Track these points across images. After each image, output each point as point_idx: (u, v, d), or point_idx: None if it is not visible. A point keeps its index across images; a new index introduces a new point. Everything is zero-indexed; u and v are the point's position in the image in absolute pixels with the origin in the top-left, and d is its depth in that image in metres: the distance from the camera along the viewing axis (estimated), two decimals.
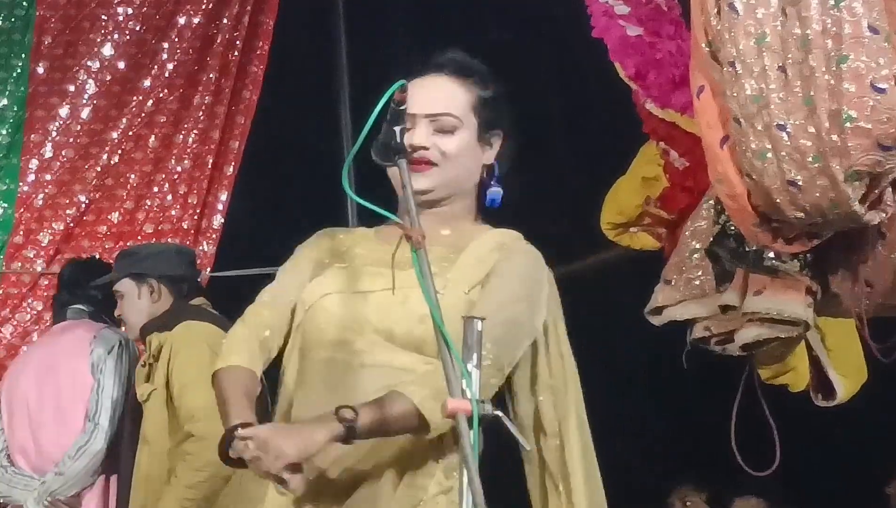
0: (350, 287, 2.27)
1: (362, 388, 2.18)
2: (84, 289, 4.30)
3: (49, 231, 5.32)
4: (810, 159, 2.63)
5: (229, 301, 4.49)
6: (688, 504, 5.35)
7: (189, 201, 5.36)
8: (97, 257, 4.89)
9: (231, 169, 5.40)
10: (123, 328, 4.19)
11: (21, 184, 5.32)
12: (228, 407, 2.18)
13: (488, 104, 2.38)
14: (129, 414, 4.03)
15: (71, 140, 5.35)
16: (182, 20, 5.42)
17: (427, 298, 2.01)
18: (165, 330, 3.82)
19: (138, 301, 3.97)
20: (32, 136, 5.34)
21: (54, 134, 5.35)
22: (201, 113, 5.40)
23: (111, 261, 4.37)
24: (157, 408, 3.77)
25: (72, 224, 5.32)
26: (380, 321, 2.23)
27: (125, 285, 4.00)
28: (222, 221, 5.38)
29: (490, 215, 2.51)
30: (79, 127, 5.36)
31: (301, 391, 2.28)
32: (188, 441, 3.65)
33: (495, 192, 2.38)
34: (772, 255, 3.01)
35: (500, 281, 2.28)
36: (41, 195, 5.33)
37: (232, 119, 5.40)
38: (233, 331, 2.35)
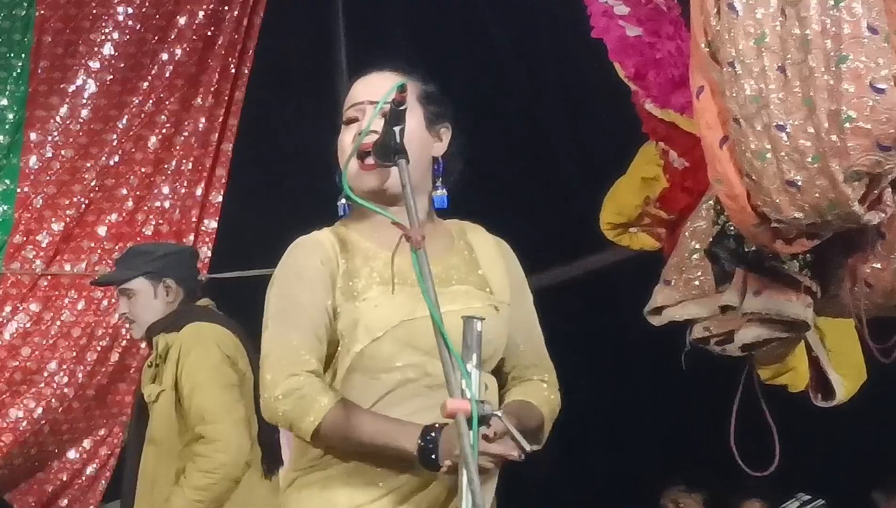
0: (414, 311, 2.28)
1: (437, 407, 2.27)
2: None
3: (49, 232, 5.32)
4: (810, 160, 2.63)
5: (227, 302, 4.51)
6: (680, 505, 5.34)
7: (188, 202, 5.36)
8: None
9: (223, 171, 5.40)
10: (127, 327, 4.19)
11: (21, 184, 5.32)
12: (396, 424, 2.24)
13: (433, 97, 2.44)
14: (134, 415, 4.02)
15: (71, 140, 5.35)
16: (182, 20, 5.42)
17: (427, 298, 2.02)
18: (173, 331, 3.81)
19: (154, 301, 3.94)
20: (32, 135, 5.33)
21: (54, 134, 5.35)
22: (201, 114, 5.39)
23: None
24: (165, 409, 3.76)
25: (72, 225, 5.32)
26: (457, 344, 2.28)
27: (138, 284, 3.95)
28: (215, 223, 5.38)
29: (492, 214, 2.53)
30: (79, 127, 5.36)
31: (376, 409, 2.30)
32: (198, 443, 3.65)
33: (441, 195, 2.41)
34: (771, 255, 3.01)
35: (527, 305, 2.49)
36: (41, 196, 5.32)
37: (226, 121, 5.40)
38: (306, 387, 2.28)
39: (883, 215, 2.74)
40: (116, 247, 5.19)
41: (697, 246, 3.31)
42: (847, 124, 2.56)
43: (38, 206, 5.32)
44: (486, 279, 2.40)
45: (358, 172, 2.35)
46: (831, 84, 2.58)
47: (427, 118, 2.41)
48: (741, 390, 3.33)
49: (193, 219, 5.34)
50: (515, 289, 2.46)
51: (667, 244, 3.89)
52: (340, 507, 2.28)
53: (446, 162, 2.44)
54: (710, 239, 3.19)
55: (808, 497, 5.11)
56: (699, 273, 3.31)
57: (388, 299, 2.32)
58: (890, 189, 2.71)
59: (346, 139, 2.39)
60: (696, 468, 5.28)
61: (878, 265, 3.01)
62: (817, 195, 2.66)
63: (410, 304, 2.29)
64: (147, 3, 5.40)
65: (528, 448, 2.16)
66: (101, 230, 5.35)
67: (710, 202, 3.26)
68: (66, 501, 5.24)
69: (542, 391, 2.42)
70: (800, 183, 2.66)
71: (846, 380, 3.61)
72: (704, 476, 5.28)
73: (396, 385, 2.29)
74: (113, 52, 5.38)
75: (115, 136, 5.37)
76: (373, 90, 2.36)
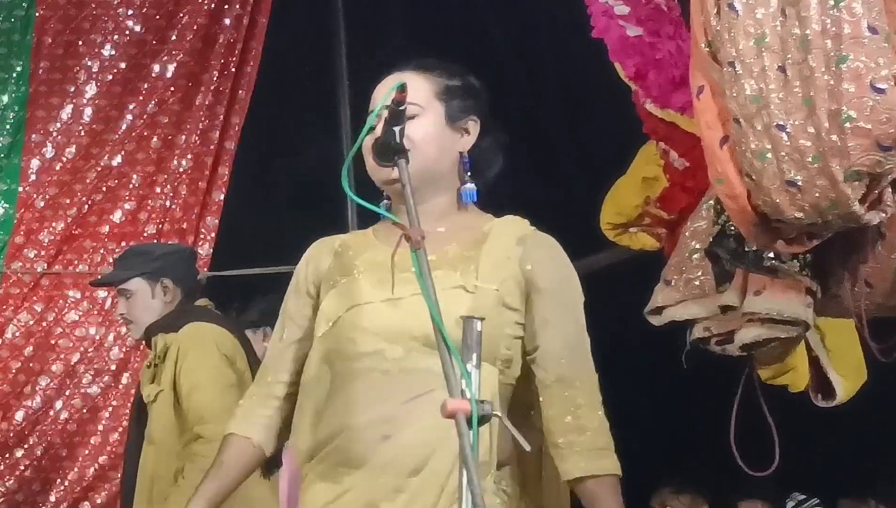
0: (376, 296, 2.26)
1: (404, 393, 2.22)
2: None
3: (50, 232, 5.32)
4: (810, 159, 2.63)
5: (228, 300, 4.51)
6: (667, 507, 5.33)
7: (189, 200, 5.36)
8: None
9: (227, 170, 5.41)
10: (126, 328, 4.18)
11: (22, 184, 5.32)
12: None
13: (455, 91, 2.41)
14: (134, 415, 4.02)
15: (72, 140, 5.35)
16: (183, 21, 5.42)
17: (427, 298, 2.02)
18: (171, 331, 3.81)
19: (151, 301, 3.94)
20: (33, 136, 5.34)
21: (55, 134, 5.35)
22: (202, 114, 5.40)
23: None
24: (164, 409, 3.76)
25: (73, 225, 5.32)
26: (417, 328, 2.21)
27: (136, 284, 3.95)
28: (217, 221, 5.38)
29: (491, 214, 2.52)
30: (80, 127, 5.36)
31: (336, 400, 2.29)
32: (197, 443, 3.65)
33: (468, 189, 2.39)
34: (771, 255, 3.00)
35: (556, 307, 2.37)
36: (42, 196, 5.33)
37: (228, 120, 5.40)
38: (248, 392, 2.47)
39: (883, 215, 2.74)
40: (118, 247, 5.20)
41: (698, 246, 3.31)
42: (847, 124, 2.56)
43: (40, 206, 5.32)
44: (478, 263, 2.33)
45: (375, 166, 2.34)
46: (831, 84, 2.58)
47: (448, 114, 2.38)
48: (741, 390, 3.32)
49: (194, 217, 5.34)
50: (541, 288, 2.36)
51: (667, 244, 3.89)
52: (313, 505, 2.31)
53: (478, 155, 2.41)
54: (711, 239, 3.18)
55: (804, 497, 5.11)
56: (699, 273, 3.31)
57: (350, 286, 2.32)
58: (890, 189, 2.71)
59: (367, 141, 2.35)
60: (696, 468, 5.28)
61: (879, 265, 3.01)
62: (817, 195, 2.66)
63: (370, 289, 2.28)
64: (147, 4, 5.41)
65: (527, 447, 2.17)
66: (103, 230, 5.35)
67: (711, 202, 3.26)
68: (80, 504, 5.23)
69: (587, 441, 2.33)
70: (800, 183, 2.66)
71: (846, 380, 3.60)
72: (704, 476, 5.28)
73: (357, 375, 2.27)
74: (113, 53, 5.39)
75: (116, 136, 5.38)
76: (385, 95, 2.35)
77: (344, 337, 2.29)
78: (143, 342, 4.06)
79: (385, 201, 2.40)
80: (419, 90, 2.36)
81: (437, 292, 2.17)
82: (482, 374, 2.27)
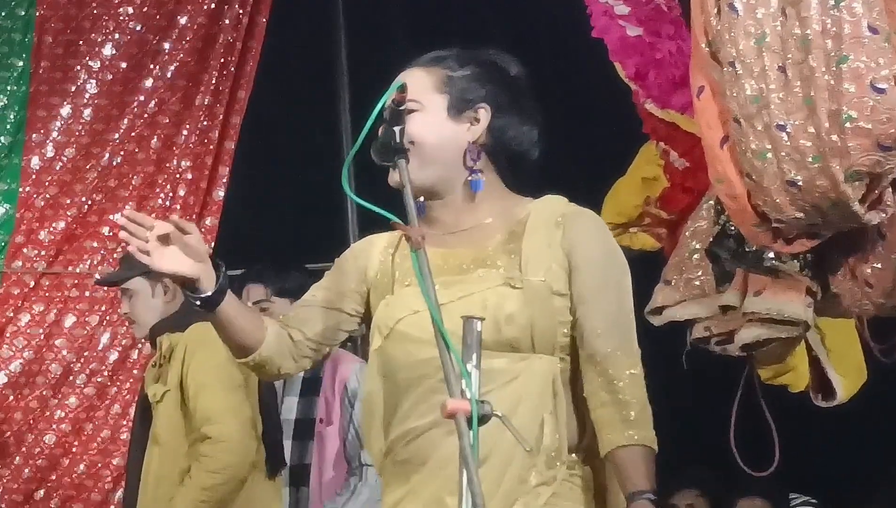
0: (417, 305, 2.23)
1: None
2: None
3: (51, 231, 5.32)
4: (810, 160, 2.64)
5: None
6: None
7: (189, 201, 5.37)
8: None
9: (226, 169, 5.41)
10: (129, 327, 4.17)
11: (22, 184, 5.33)
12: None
13: (459, 81, 2.37)
14: (138, 415, 4.02)
15: (72, 140, 5.36)
16: (183, 20, 5.42)
17: (426, 298, 2.02)
18: (177, 331, 3.81)
19: (152, 300, 3.93)
20: (34, 135, 5.34)
21: (55, 134, 5.36)
22: (202, 113, 5.40)
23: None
24: (170, 409, 3.76)
25: (73, 225, 5.33)
26: None
27: (137, 284, 3.95)
28: (217, 221, 5.38)
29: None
30: (80, 127, 5.37)
31: (400, 407, 2.31)
32: (204, 443, 3.65)
33: (476, 180, 2.36)
34: (772, 255, 3.01)
35: (593, 283, 2.32)
36: (43, 195, 5.33)
37: (228, 119, 5.41)
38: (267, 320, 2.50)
39: (883, 215, 2.74)
40: (118, 247, 5.20)
41: (698, 246, 3.31)
42: (847, 124, 2.57)
43: (40, 206, 5.32)
44: (521, 256, 2.32)
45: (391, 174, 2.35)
46: (832, 84, 2.58)
47: (452, 105, 2.35)
48: (741, 390, 3.33)
49: (194, 217, 5.34)
50: (579, 264, 2.32)
51: (667, 244, 3.90)
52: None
53: (490, 142, 2.37)
54: (711, 239, 3.19)
55: (801, 497, 5.10)
56: (699, 273, 3.31)
57: (399, 295, 2.34)
58: (890, 189, 2.71)
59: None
60: (695, 467, 5.27)
61: (879, 265, 3.01)
62: (818, 195, 2.67)
63: (418, 297, 2.24)
64: (148, 3, 5.41)
65: (527, 447, 2.16)
66: (103, 230, 5.35)
67: (711, 202, 3.26)
68: (74, 503, 5.23)
69: (619, 401, 2.34)
70: (800, 183, 2.66)
71: (846, 380, 3.60)
72: (704, 475, 5.27)
73: (414, 382, 2.29)
74: (114, 52, 5.39)
75: (116, 135, 5.38)
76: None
77: (400, 349, 2.30)
78: (147, 342, 4.05)
79: (420, 199, 2.36)
80: (418, 85, 2.35)
81: (483, 291, 2.26)
82: (541, 365, 2.29)
